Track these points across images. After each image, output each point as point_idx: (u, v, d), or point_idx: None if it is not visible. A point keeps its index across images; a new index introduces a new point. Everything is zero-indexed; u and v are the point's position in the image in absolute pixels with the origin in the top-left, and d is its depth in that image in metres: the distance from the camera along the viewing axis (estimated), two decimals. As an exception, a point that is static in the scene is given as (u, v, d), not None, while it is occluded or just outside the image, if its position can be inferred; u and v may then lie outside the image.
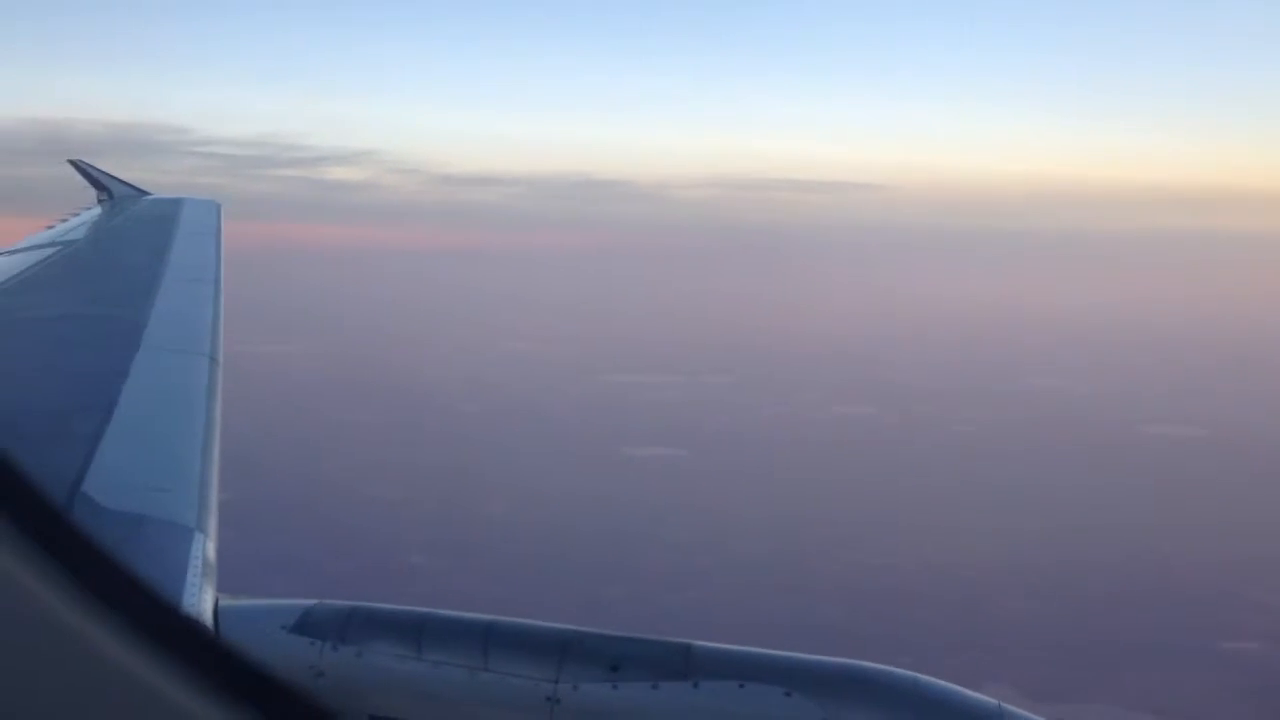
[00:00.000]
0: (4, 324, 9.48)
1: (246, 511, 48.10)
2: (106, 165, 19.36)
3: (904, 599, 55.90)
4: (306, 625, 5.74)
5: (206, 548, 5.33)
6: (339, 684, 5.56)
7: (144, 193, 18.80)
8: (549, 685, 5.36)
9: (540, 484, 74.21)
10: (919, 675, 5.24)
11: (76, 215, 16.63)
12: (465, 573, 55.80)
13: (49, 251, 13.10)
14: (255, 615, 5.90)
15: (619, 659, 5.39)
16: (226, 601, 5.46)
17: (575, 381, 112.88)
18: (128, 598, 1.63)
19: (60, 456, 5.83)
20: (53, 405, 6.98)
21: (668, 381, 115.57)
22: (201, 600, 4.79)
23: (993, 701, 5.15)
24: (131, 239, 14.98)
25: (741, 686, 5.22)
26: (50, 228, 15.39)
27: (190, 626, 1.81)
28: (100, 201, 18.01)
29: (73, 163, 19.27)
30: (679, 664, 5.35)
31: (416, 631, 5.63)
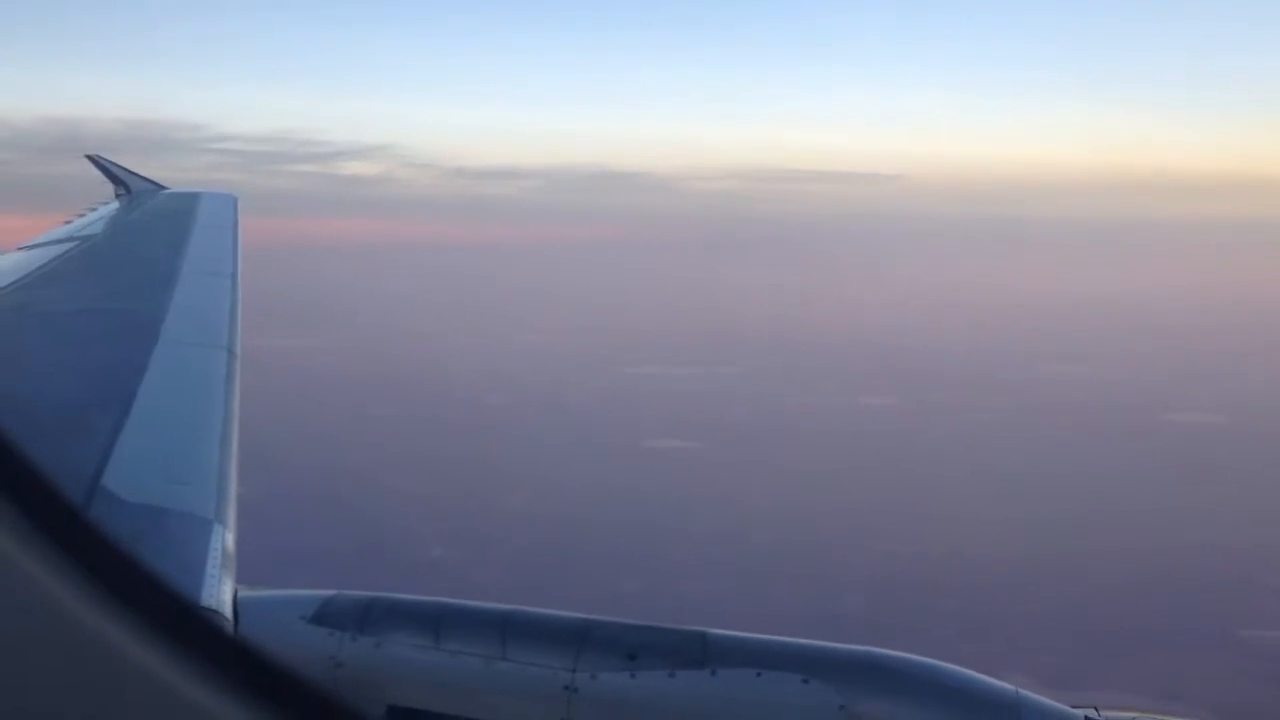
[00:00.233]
0: (23, 318, 9.53)
1: (266, 505, 48.27)
2: (123, 162, 19.37)
3: (922, 588, 55.77)
4: (325, 616, 5.77)
5: (226, 539, 5.34)
6: (358, 674, 5.59)
7: (161, 187, 18.84)
8: (567, 674, 5.37)
9: (559, 476, 74.23)
10: (937, 662, 5.25)
11: (94, 210, 16.69)
12: (483, 564, 55.92)
13: (67, 246, 13.15)
14: (274, 606, 5.93)
15: (636, 648, 5.41)
16: (246, 593, 5.49)
17: (593, 373, 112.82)
18: (139, 590, 1.63)
19: (79, 450, 5.86)
20: (71, 399, 7.02)
21: (686, 373, 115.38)
22: (221, 592, 4.81)
23: (1010, 688, 5.15)
24: (149, 233, 15.03)
25: (759, 674, 5.23)
26: (68, 223, 15.44)
27: (204, 620, 1.81)
28: (118, 196, 18.04)
29: (90, 158, 19.32)
30: (696, 652, 5.35)
31: (435, 622, 5.66)
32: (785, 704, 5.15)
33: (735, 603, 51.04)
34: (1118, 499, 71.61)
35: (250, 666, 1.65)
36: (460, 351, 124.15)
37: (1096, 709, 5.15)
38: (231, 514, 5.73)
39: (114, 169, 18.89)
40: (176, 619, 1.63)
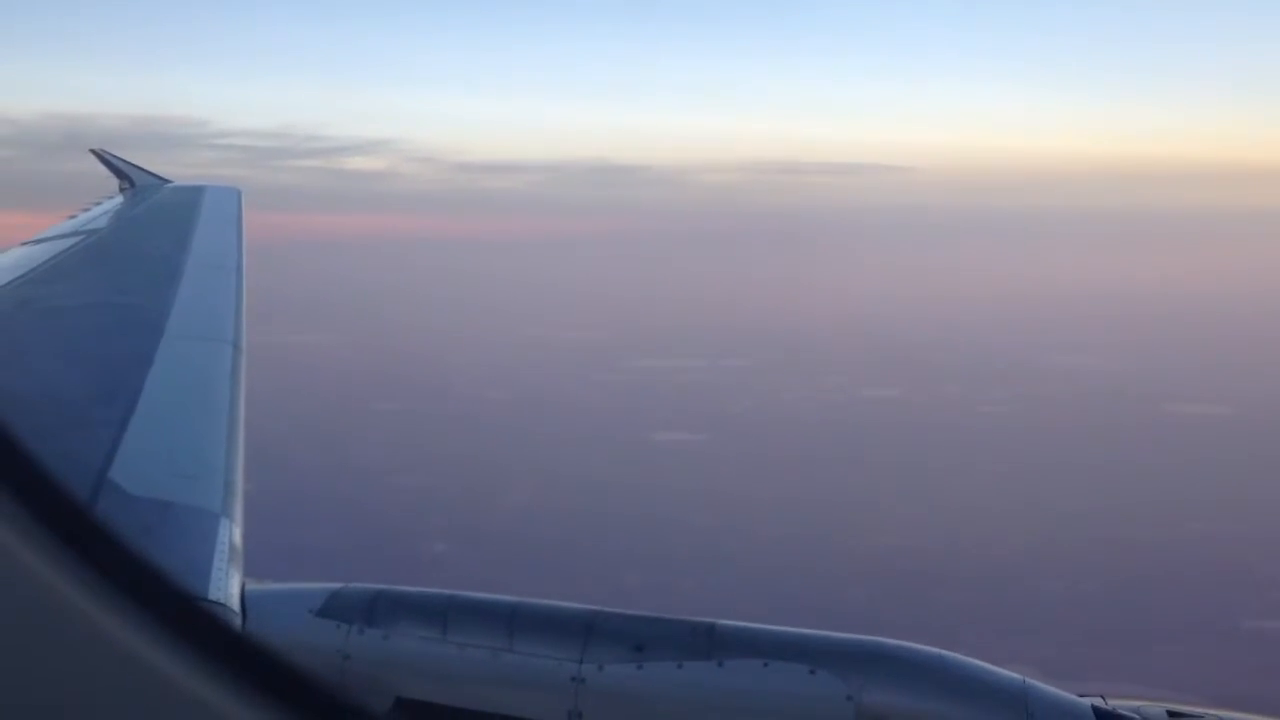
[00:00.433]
0: (28, 313, 9.54)
1: (272, 500, 48.32)
2: (128, 159, 19.45)
3: (928, 580, 55.81)
4: (332, 609, 5.78)
5: (233, 533, 5.36)
6: (365, 667, 5.60)
7: (165, 181, 18.89)
8: (574, 665, 5.38)
9: (564, 469, 74.30)
10: (944, 652, 5.25)
11: (99, 204, 16.71)
12: (489, 558, 55.97)
13: (72, 241, 13.16)
14: (281, 600, 5.94)
15: (643, 639, 5.41)
16: (253, 586, 5.50)
17: (597, 367, 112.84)
18: (143, 585, 1.63)
19: (86, 445, 5.87)
20: (77, 393, 7.03)
21: (691, 366, 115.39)
22: (228, 585, 4.82)
23: (1017, 677, 5.15)
24: (153, 227, 15.05)
25: (766, 665, 5.23)
26: (72, 217, 15.47)
27: (209, 616, 1.80)
28: (122, 190, 18.09)
29: (94, 152, 19.40)
30: (703, 643, 5.36)
31: (442, 614, 5.67)
32: (792, 694, 5.16)
33: (741, 595, 51.08)
34: (1123, 490, 71.58)
35: (255, 663, 1.65)
36: (464, 346, 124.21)
37: (1103, 697, 5.15)
38: (238, 508, 5.74)
39: (118, 163, 18.96)
40: (181, 614, 1.63)
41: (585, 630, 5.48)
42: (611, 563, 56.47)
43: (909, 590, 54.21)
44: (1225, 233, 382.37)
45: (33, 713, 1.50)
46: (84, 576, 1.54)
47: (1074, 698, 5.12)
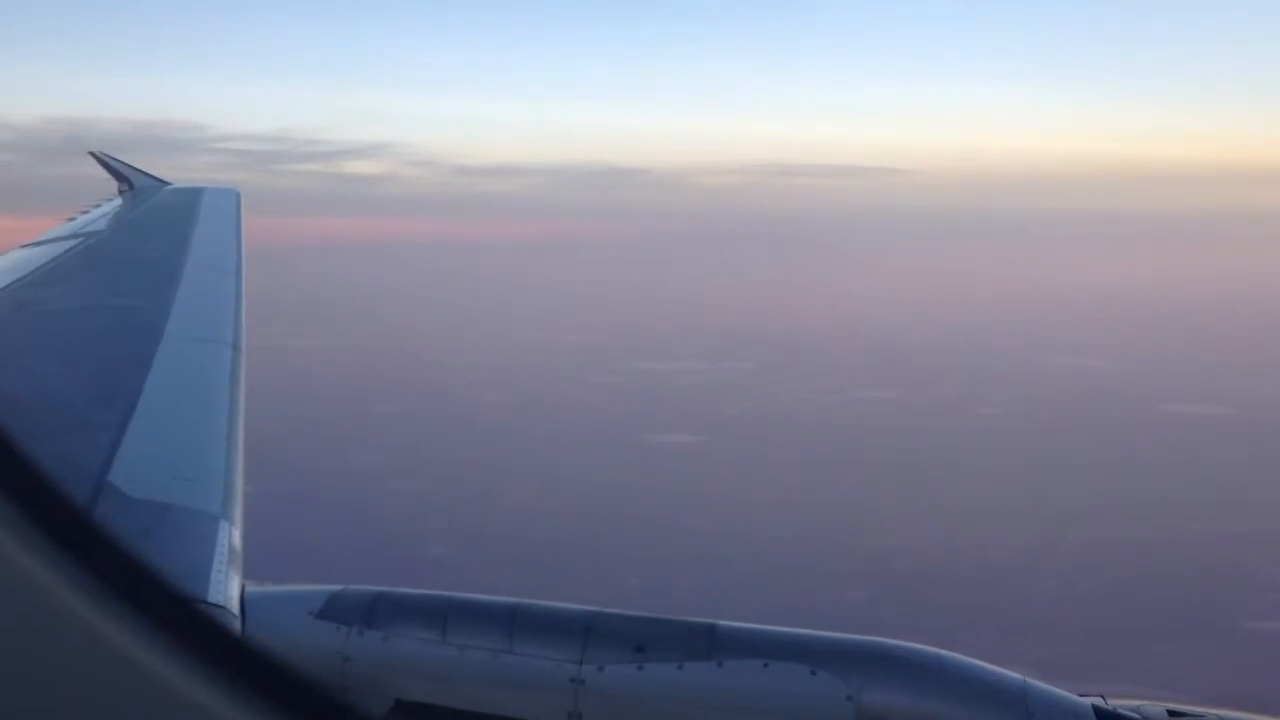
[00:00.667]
0: (27, 316, 9.52)
1: (272, 502, 48.25)
2: (127, 162, 19.47)
3: (927, 582, 55.75)
4: (332, 611, 5.78)
5: (232, 535, 5.36)
6: (365, 669, 5.60)
7: (164, 183, 18.89)
8: (574, 667, 5.38)
9: (563, 472, 74.26)
10: (944, 652, 5.25)
11: (98, 206, 16.71)
12: (489, 561, 55.91)
13: (70, 243, 13.15)
14: (281, 602, 5.94)
15: (643, 640, 5.41)
16: (252, 588, 5.50)
17: (596, 369, 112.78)
18: (140, 589, 1.62)
19: (85, 447, 5.86)
20: (77, 396, 7.02)
21: (690, 368, 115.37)
22: (228, 587, 4.81)
23: (1018, 677, 5.15)
24: (152, 229, 15.05)
25: (766, 665, 5.23)
26: (71, 220, 15.46)
27: (206, 619, 1.79)
28: (121, 193, 18.09)
29: (93, 154, 19.41)
30: (703, 644, 5.36)
31: (441, 615, 5.67)
32: (793, 695, 5.16)
33: (741, 596, 51.04)
34: (1122, 491, 71.56)
35: (253, 667, 1.64)
36: (464, 349, 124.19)
37: (1104, 697, 5.16)
38: (238, 510, 5.74)
39: (117, 165, 18.98)
40: (179, 619, 1.62)
41: (585, 631, 5.48)
42: (611, 564, 56.44)
43: (908, 591, 54.16)
44: (1225, 233, 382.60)
45: (31, 718, 1.50)
46: (82, 581, 1.53)
47: (1074, 697, 5.12)
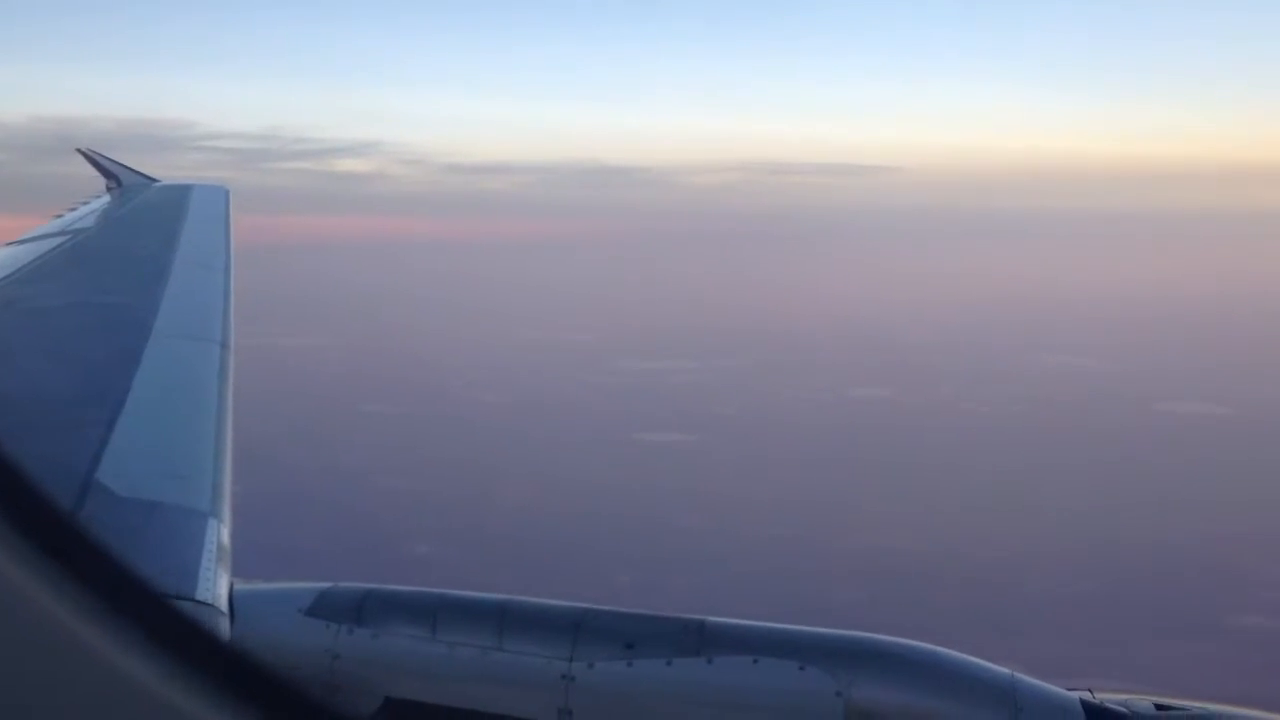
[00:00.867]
0: (14, 313, 9.48)
1: (261, 500, 48.21)
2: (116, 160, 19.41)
3: (918, 581, 55.82)
4: (321, 608, 5.77)
5: (221, 533, 5.33)
6: (355, 666, 5.59)
7: (152, 180, 18.83)
8: (564, 664, 5.37)
9: (555, 470, 74.23)
10: (933, 647, 5.26)
11: (86, 203, 16.65)
12: (480, 559, 55.88)
13: (58, 240, 13.09)
14: (270, 599, 5.93)
15: (633, 637, 5.41)
16: (241, 586, 5.48)
17: (589, 368, 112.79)
18: (123, 593, 1.60)
19: (73, 445, 5.82)
20: (64, 394, 6.98)
21: (682, 367, 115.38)
22: (217, 585, 4.79)
23: (1006, 671, 5.16)
24: (140, 226, 14.99)
25: (755, 662, 5.23)
26: (59, 217, 15.40)
27: (190, 624, 1.77)
28: (109, 190, 18.03)
29: (81, 151, 19.34)
30: (693, 641, 5.36)
31: (431, 613, 5.66)
32: (782, 691, 5.16)
33: (732, 594, 51.07)
34: (1119, 490, 71.65)
35: (238, 671, 1.63)
36: (455, 348, 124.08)
37: (1091, 691, 5.17)
38: (227, 508, 5.71)
39: (106, 163, 18.91)
40: (162, 624, 1.61)
41: (575, 628, 5.48)
42: (603, 563, 56.46)
43: (900, 590, 54.21)
44: (1224, 233, 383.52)
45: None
46: (64, 586, 1.52)
47: (1063, 691, 5.14)
